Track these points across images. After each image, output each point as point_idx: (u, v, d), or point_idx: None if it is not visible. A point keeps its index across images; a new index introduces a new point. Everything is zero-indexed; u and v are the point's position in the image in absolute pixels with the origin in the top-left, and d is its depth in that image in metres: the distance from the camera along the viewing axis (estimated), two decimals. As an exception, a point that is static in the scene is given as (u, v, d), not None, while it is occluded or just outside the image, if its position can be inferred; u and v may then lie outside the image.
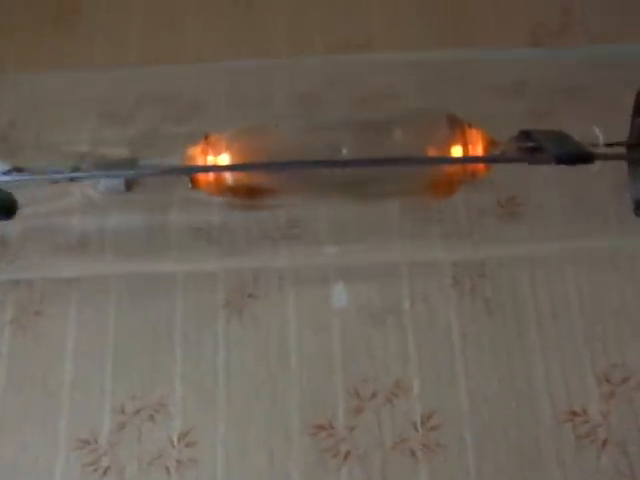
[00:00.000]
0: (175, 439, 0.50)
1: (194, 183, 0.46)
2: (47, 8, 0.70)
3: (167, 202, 0.53)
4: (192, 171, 0.46)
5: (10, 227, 0.53)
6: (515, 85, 0.52)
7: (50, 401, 0.52)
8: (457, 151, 0.45)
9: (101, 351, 0.53)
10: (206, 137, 0.47)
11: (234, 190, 0.47)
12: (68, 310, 0.55)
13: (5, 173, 0.46)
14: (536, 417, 0.49)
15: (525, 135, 0.46)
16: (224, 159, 0.46)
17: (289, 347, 0.52)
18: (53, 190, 0.50)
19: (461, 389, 0.50)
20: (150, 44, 0.67)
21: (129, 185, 0.47)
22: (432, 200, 0.51)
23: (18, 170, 0.47)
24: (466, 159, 0.46)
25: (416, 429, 0.49)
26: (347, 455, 0.49)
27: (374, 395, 0.50)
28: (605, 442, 0.48)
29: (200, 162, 0.46)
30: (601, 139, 0.46)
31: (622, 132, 0.48)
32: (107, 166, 0.48)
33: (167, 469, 0.50)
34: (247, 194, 0.47)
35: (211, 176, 0.46)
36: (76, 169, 0.46)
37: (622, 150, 0.48)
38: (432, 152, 0.45)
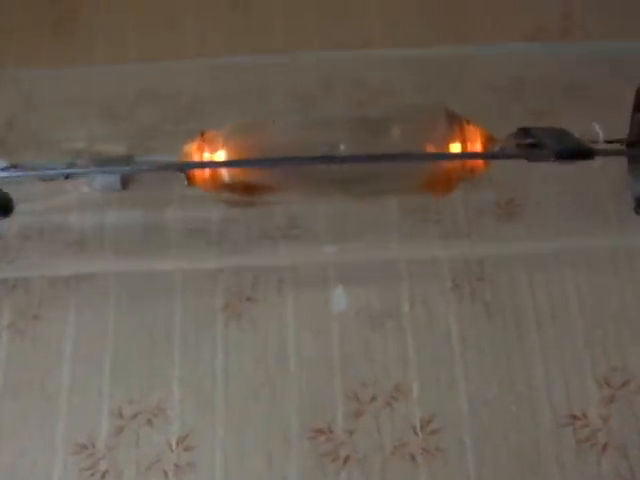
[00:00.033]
0: (173, 443, 0.50)
1: (190, 180, 0.46)
2: (47, 10, 0.70)
3: (166, 199, 0.52)
4: (187, 167, 0.46)
5: (7, 226, 0.52)
6: (513, 82, 0.52)
7: (48, 405, 0.52)
8: (456, 148, 0.45)
9: (99, 355, 0.53)
10: (202, 134, 0.47)
11: (231, 187, 0.46)
12: (66, 314, 0.54)
13: (3, 169, 0.46)
14: (536, 421, 0.49)
15: (524, 132, 0.45)
16: (220, 155, 0.46)
17: (288, 351, 0.52)
18: (50, 188, 0.50)
19: (461, 393, 0.50)
20: (149, 45, 0.67)
21: (125, 183, 0.47)
22: (431, 197, 0.51)
23: (14, 167, 0.46)
24: (464, 155, 0.46)
25: (416, 433, 0.49)
26: (346, 459, 0.49)
27: (373, 399, 0.50)
28: (605, 446, 0.48)
29: (196, 159, 0.46)
30: (601, 136, 0.46)
31: (622, 129, 0.48)
32: (103, 163, 0.47)
33: (165, 473, 0.49)
34: (244, 191, 0.47)
35: (207, 173, 0.46)
36: (72, 166, 0.46)
37: (622, 147, 0.47)
38: (430, 149, 0.45)
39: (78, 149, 0.50)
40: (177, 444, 0.50)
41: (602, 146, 0.46)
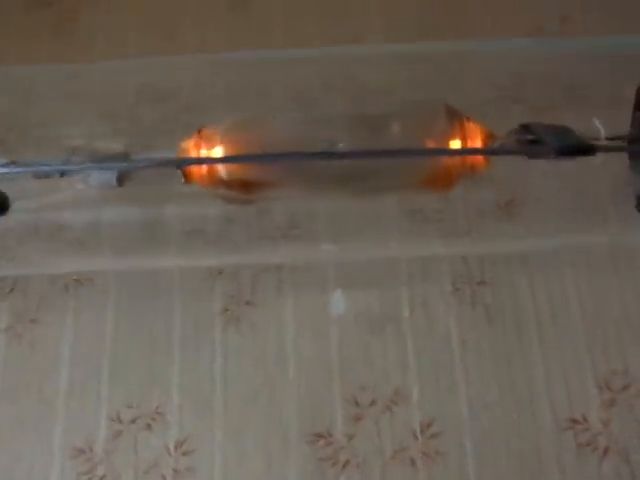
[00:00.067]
0: (172, 447, 0.50)
1: (187, 177, 0.46)
2: (47, 10, 0.70)
3: (164, 196, 0.52)
4: (184, 163, 0.46)
5: (5, 224, 0.52)
6: (514, 78, 0.52)
7: (45, 409, 0.51)
8: (456, 144, 0.45)
9: (97, 359, 0.53)
10: (199, 130, 0.46)
11: (228, 184, 0.46)
12: (64, 318, 0.54)
13: (2, 166, 0.45)
14: (537, 425, 0.49)
15: (524, 128, 0.45)
16: (218, 152, 0.45)
17: (287, 354, 0.52)
18: (45, 186, 0.49)
19: (461, 396, 0.50)
20: (149, 45, 0.67)
21: (121, 179, 0.46)
22: (431, 194, 0.50)
23: (13, 163, 0.46)
24: (464, 151, 0.45)
25: (416, 437, 0.49)
26: (346, 464, 0.49)
27: (373, 403, 0.50)
28: (606, 450, 0.48)
29: (193, 155, 0.46)
30: (602, 132, 0.46)
31: (623, 126, 0.47)
32: (99, 159, 0.47)
33: (164, 478, 0.49)
34: (241, 188, 0.47)
35: (204, 169, 0.45)
36: (67, 163, 0.46)
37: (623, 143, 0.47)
38: (430, 145, 0.45)
39: (74, 146, 0.50)
40: (175, 448, 0.50)
41: (603, 142, 0.45)
